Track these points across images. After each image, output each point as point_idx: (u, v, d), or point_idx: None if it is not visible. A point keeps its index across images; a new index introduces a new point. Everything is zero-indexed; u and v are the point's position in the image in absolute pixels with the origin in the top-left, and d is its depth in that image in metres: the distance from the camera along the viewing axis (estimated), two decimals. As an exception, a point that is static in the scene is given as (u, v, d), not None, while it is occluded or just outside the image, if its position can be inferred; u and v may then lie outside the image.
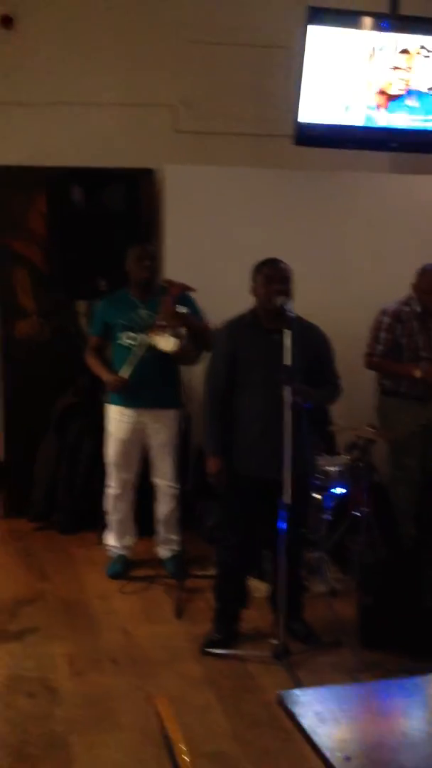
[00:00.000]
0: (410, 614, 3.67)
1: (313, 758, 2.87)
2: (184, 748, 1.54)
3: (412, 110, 4.97)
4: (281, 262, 3.73)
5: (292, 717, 1.78)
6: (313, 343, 3.75)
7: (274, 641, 3.62)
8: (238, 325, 3.79)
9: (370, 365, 4.63)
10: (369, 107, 4.91)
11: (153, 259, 4.53)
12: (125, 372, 4.35)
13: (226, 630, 3.85)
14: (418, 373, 4.47)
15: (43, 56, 5.42)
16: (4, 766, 2.94)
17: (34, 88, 5.42)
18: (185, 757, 1.51)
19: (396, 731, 1.78)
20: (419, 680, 2.00)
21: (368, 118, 4.94)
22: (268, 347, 3.58)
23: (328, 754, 1.64)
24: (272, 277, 3.67)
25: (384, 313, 4.60)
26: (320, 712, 1.79)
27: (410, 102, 4.96)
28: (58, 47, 5.42)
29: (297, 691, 1.97)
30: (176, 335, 4.22)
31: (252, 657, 3.70)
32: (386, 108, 4.93)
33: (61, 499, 5.26)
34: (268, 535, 3.68)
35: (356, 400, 4.55)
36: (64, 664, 3.66)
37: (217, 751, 3.03)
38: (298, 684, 3.38)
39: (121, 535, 4.66)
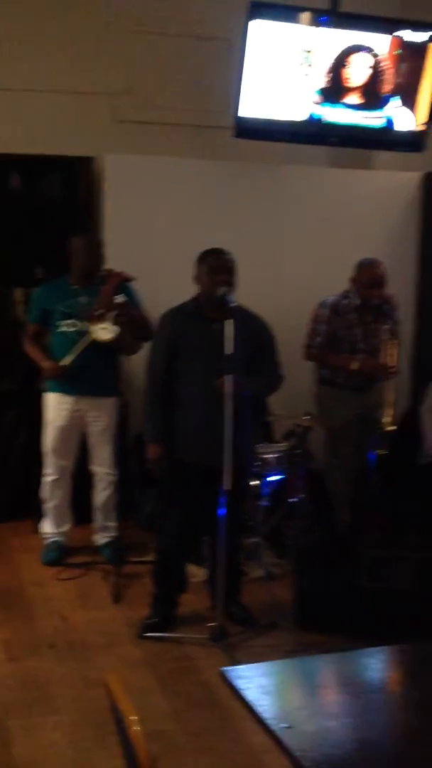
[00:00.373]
0: (344, 596, 3.77)
1: (250, 734, 2.97)
2: (135, 719, 1.58)
3: (351, 107, 5.07)
4: (226, 252, 3.78)
5: (235, 691, 1.84)
6: (255, 332, 3.81)
7: (212, 624, 3.69)
8: (180, 313, 3.83)
9: (308, 357, 4.73)
10: (309, 102, 5.00)
11: (100, 247, 4.54)
12: (66, 360, 4.35)
13: (164, 614, 3.90)
14: (355, 366, 4.58)
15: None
16: None
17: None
18: (137, 728, 1.55)
19: (332, 701, 1.86)
20: (354, 654, 2.09)
21: (309, 114, 5.02)
22: (209, 336, 3.64)
23: (270, 723, 1.70)
24: (216, 267, 3.71)
25: (323, 305, 4.70)
26: (263, 686, 1.86)
27: (349, 98, 5.05)
28: (-1, 35, 5.36)
29: (239, 668, 2.04)
30: (114, 324, 4.24)
31: (190, 640, 3.75)
32: (326, 103, 5.02)
33: (-4, 487, 5.22)
34: (208, 520, 3.74)
35: (294, 389, 4.63)
36: (0, 649, 3.65)
37: (157, 730, 3.07)
38: (237, 664, 3.44)
39: (58, 522, 4.66)
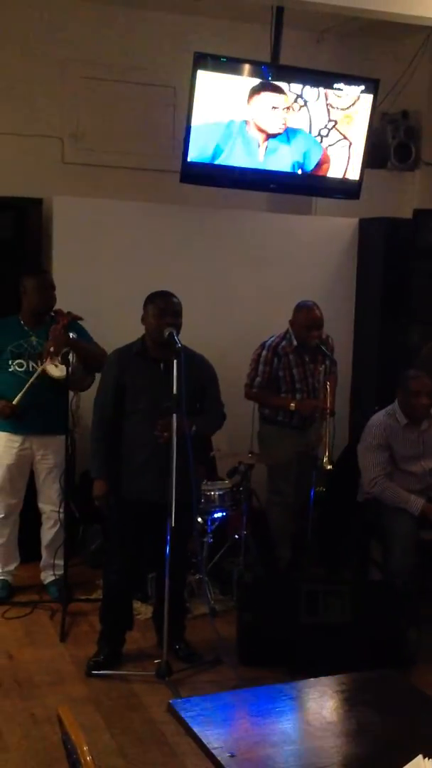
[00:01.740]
0: (285, 630, 3.88)
1: (195, 768, 3.04)
2: (86, 749, 1.66)
3: (290, 154, 5.28)
4: (173, 295, 3.89)
5: (182, 722, 1.93)
6: (199, 372, 3.93)
7: (158, 661, 3.76)
8: (126, 353, 3.93)
9: (248, 396, 4.87)
10: (250, 149, 5.20)
11: (54, 288, 4.62)
12: (16, 399, 4.41)
13: (111, 651, 3.95)
14: (293, 406, 4.74)
15: None
16: None
17: None
18: (89, 758, 1.63)
19: (275, 730, 1.96)
20: (295, 685, 2.19)
21: (250, 158, 5.22)
22: (155, 376, 3.75)
23: (215, 753, 1.80)
24: (164, 309, 3.83)
25: (262, 347, 4.86)
26: (208, 717, 1.95)
27: (287, 145, 5.26)
28: None
29: (186, 700, 2.12)
30: (65, 362, 4.32)
31: (136, 677, 3.82)
32: (266, 147, 5.22)
33: None
34: (153, 557, 3.82)
35: (237, 427, 4.78)
36: None
37: (105, 766, 3.13)
38: (181, 700, 3.52)
39: (5, 561, 4.69)
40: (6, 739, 3.32)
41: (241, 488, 4.61)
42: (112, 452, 3.87)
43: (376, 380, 5.83)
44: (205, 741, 1.83)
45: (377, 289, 5.88)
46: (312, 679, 2.26)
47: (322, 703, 2.12)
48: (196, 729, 1.87)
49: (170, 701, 2.04)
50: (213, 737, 1.85)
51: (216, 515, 4.63)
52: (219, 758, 1.76)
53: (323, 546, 4.94)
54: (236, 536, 4.71)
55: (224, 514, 4.65)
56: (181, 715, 1.93)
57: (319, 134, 5.32)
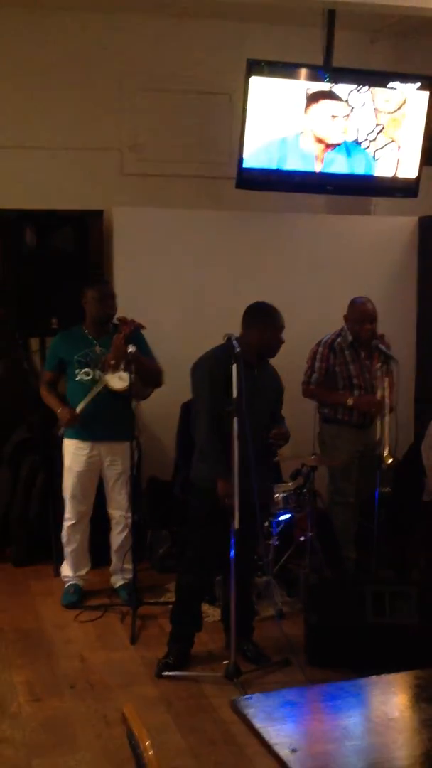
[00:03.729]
0: (352, 632, 3.88)
1: (264, 768, 3.07)
2: (149, 745, 1.71)
3: (347, 156, 5.29)
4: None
5: (244, 719, 1.97)
6: (277, 381, 4.09)
7: (226, 662, 3.80)
8: (226, 357, 3.84)
9: (305, 393, 4.89)
10: (307, 153, 5.22)
11: (114, 297, 4.72)
12: (80, 407, 4.52)
13: (180, 653, 4.01)
14: (350, 402, 4.74)
15: (-4, 102, 5.62)
16: (-32, 789, 3.05)
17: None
18: (151, 753, 1.68)
19: (336, 726, 1.98)
20: (358, 683, 2.21)
21: (306, 164, 5.24)
22: (250, 379, 3.80)
23: (276, 748, 1.83)
24: (279, 326, 3.98)
25: (319, 344, 4.89)
26: (270, 713, 1.99)
27: (345, 149, 5.28)
28: (10, 94, 5.63)
29: (249, 697, 2.16)
30: (125, 373, 4.41)
31: (205, 678, 3.86)
32: (324, 154, 5.24)
33: (15, 532, 5.36)
34: (226, 559, 3.85)
35: (299, 429, 4.78)
36: (23, 690, 3.78)
37: (174, 766, 3.18)
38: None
39: (76, 566, 4.79)
40: (79, 740, 3.40)
41: (304, 490, 4.62)
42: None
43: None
44: (266, 737, 1.86)
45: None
46: (374, 676, 2.27)
47: (384, 699, 2.14)
48: (257, 725, 1.90)
49: (233, 699, 2.07)
50: (274, 733, 1.88)
51: (281, 518, 4.65)
52: (280, 754, 1.79)
53: (390, 547, 4.91)
54: (302, 538, 4.72)
55: (289, 516, 4.67)
56: (243, 712, 1.97)
57: (367, 138, 5.32)
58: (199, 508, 3.97)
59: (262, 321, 3.98)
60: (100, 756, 3.28)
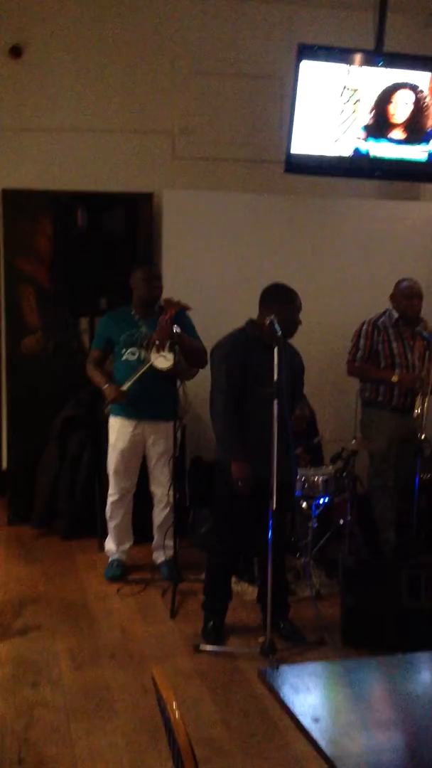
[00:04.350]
0: (388, 614, 3.93)
1: (295, 742, 3.16)
2: (175, 706, 1.79)
3: (396, 141, 5.27)
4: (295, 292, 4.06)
5: (270, 689, 2.05)
6: (294, 359, 4.11)
7: (262, 639, 3.89)
8: (243, 340, 4.03)
9: (350, 371, 4.95)
10: (355, 138, 5.21)
11: (160, 279, 4.81)
12: (126, 385, 4.62)
13: (217, 628, 4.12)
14: (395, 378, 4.78)
15: (49, 85, 5.74)
16: (11, 748, 3.19)
17: (41, 115, 5.74)
18: (177, 715, 1.76)
19: (359, 697, 2.05)
20: (385, 659, 2.27)
21: (355, 149, 5.24)
22: (270, 361, 3.83)
23: (300, 717, 1.90)
24: (297, 307, 4.02)
25: (364, 322, 4.94)
26: (294, 684, 2.06)
27: (394, 133, 5.25)
28: (64, 77, 5.75)
29: (276, 668, 2.23)
30: (170, 353, 4.50)
31: (241, 653, 3.96)
32: (371, 138, 5.23)
33: (63, 506, 5.51)
34: (259, 538, 3.94)
35: (341, 412, 4.83)
36: (65, 658, 3.92)
37: (207, 737, 3.29)
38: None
39: (119, 541, 4.92)
40: (116, 707, 3.52)
41: (344, 474, 4.66)
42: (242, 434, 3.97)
43: None
44: (290, 705, 1.93)
45: None
46: (400, 655, 2.33)
47: (408, 677, 2.19)
48: (282, 694, 1.98)
49: (260, 668, 2.15)
50: (298, 702, 1.95)
51: (320, 501, 4.70)
52: (303, 722, 1.86)
53: (429, 532, 4.93)
54: (341, 521, 4.77)
55: (328, 499, 4.71)
56: (270, 682, 2.04)
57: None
58: (223, 488, 4.05)
59: (279, 302, 4.02)
60: (136, 723, 3.40)
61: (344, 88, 5.13)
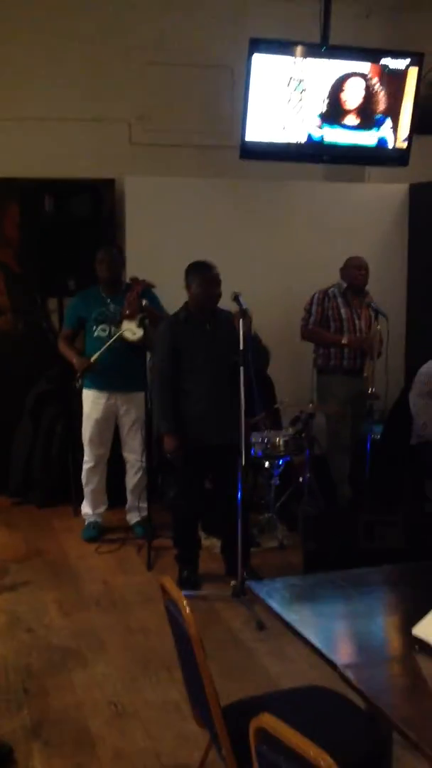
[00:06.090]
0: (346, 556, 4.36)
1: (270, 666, 3.58)
2: (185, 603, 2.19)
3: (349, 127, 5.67)
4: (214, 267, 4.42)
5: (258, 598, 2.48)
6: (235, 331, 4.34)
7: (233, 583, 4.30)
8: (176, 321, 4.46)
9: (303, 335, 5.42)
10: (308, 124, 5.60)
11: (112, 260, 5.15)
12: (95, 356, 4.96)
13: (191, 576, 4.53)
14: (344, 341, 5.26)
15: (10, 74, 5.97)
16: (15, 681, 3.56)
17: (3, 105, 5.97)
18: (187, 608, 2.16)
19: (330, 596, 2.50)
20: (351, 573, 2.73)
21: (308, 135, 5.63)
22: (205, 336, 4.32)
23: (283, 614, 2.34)
24: (210, 281, 4.39)
25: (316, 292, 5.46)
26: (278, 593, 2.50)
27: (348, 120, 5.66)
28: (25, 66, 5.97)
29: (260, 582, 2.67)
30: (141, 326, 4.86)
31: (215, 596, 4.36)
32: (320, 126, 5.63)
33: (38, 476, 5.84)
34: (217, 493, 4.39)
35: (299, 380, 5.26)
36: (54, 607, 4.28)
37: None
38: (256, 616, 4.06)
39: (95, 504, 5.28)
40: (107, 647, 3.90)
41: (303, 435, 5.09)
42: (175, 408, 4.38)
43: (429, 338, 6.21)
44: (274, 607, 2.37)
45: (428, 249, 6.25)
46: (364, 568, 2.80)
47: (368, 578, 2.68)
48: (269, 601, 2.41)
49: (248, 582, 2.55)
50: (279, 606, 2.40)
51: (281, 461, 5.12)
52: (286, 618, 2.29)
53: (381, 486, 5.39)
54: (300, 479, 5.20)
55: (288, 459, 5.14)
56: (257, 593, 2.48)
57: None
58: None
59: (194, 277, 4.42)
60: (126, 659, 3.78)
61: (290, 78, 5.53)
